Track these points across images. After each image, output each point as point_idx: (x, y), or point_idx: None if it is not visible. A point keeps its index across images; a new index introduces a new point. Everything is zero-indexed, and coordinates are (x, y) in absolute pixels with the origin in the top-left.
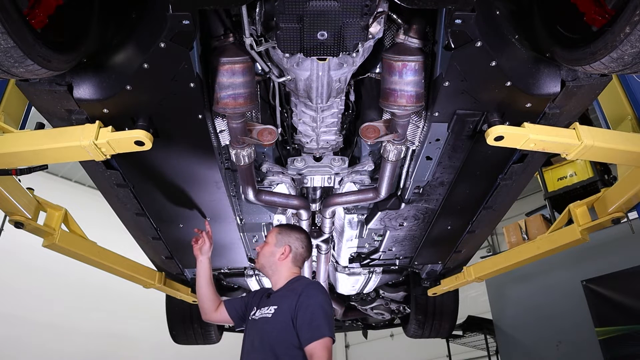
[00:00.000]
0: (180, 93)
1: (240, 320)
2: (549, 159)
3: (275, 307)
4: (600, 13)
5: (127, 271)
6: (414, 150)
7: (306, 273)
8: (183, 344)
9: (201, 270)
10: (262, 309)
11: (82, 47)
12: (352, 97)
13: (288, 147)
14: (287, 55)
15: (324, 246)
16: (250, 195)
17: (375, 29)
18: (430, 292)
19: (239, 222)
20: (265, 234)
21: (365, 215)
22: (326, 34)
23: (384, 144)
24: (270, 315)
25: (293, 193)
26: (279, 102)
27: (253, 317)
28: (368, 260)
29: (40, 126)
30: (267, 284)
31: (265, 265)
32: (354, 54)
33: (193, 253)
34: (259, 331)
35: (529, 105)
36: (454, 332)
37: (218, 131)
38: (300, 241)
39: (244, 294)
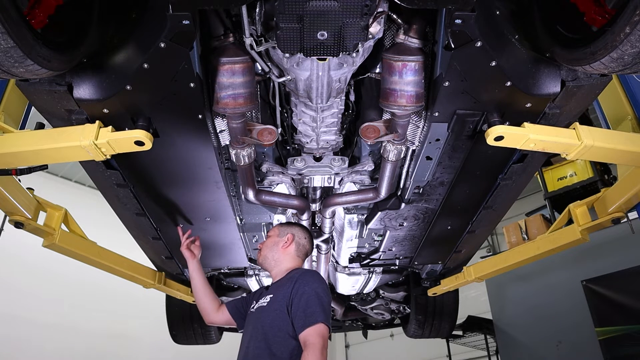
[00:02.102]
0: (180, 93)
1: (242, 319)
2: (549, 159)
3: (271, 295)
4: (600, 13)
5: (127, 271)
6: (414, 150)
7: None
8: (183, 344)
9: (196, 272)
10: (260, 300)
11: (82, 47)
12: (352, 97)
13: (288, 147)
14: (287, 55)
15: (324, 246)
16: (250, 195)
17: (375, 29)
18: (430, 292)
19: (239, 222)
20: (265, 234)
21: (365, 215)
22: (326, 34)
23: (384, 144)
24: (266, 304)
25: (293, 193)
26: (279, 102)
27: (252, 309)
28: (368, 260)
29: (40, 126)
30: (267, 283)
31: (267, 256)
32: (354, 54)
33: (184, 256)
34: (255, 320)
35: (529, 105)
36: (454, 332)
37: (218, 131)
38: (303, 232)
39: (244, 294)
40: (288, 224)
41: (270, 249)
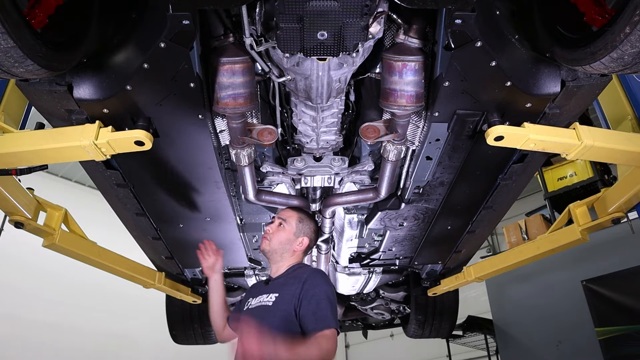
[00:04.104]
0: (180, 93)
1: None
2: (549, 159)
3: (277, 294)
4: (600, 13)
5: (127, 271)
6: (414, 150)
7: None
8: (183, 344)
9: (216, 290)
10: (260, 296)
11: (82, 47)
12: (352, 97)
13: (288, 147)
14: (287, 55)
15: (324, 246)
16: (250, 195)
17: (375, 29)
18: (430, 292)
19: (239, 222)
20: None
21: (365, 215)
22: (326, 34)
23: (384, 144)
24: (270, 304)
25: (293, 193)
26: (279, 102)
27: (249, 306)
28: (368, 260)
29: (40, 126)
30: None
31: (277, 250)
32: (354, 54)
33: (204, 271)
34: (257, 319)
35: (529, 105)
36: (454, 332)
37: (218, 131)
38: (315, 234)
39: (244, 294)
40: (307, 219)
41: (281, 244)
